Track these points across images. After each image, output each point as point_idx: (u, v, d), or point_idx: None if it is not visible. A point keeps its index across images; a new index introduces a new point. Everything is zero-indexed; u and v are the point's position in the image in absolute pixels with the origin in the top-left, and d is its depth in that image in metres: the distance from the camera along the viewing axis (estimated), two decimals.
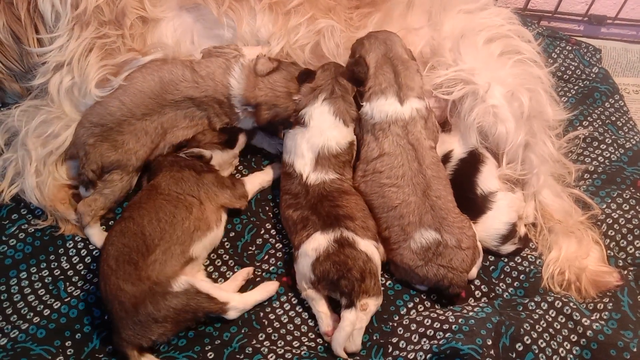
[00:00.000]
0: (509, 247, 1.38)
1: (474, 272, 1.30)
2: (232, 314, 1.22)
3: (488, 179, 1.39)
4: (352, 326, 1.19)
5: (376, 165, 1.34)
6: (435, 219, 1.29)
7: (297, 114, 1.38)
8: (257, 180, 1.44)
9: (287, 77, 1.41)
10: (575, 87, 1.79)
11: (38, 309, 1.26)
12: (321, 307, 1.24)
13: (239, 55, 1.41)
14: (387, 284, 1.34)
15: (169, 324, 1.17)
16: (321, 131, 1.35)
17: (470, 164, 1.41)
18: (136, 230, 1.22)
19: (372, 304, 1.22)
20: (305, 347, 1.23)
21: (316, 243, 1.23)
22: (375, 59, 1.40)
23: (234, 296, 1.24)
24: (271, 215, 1.43)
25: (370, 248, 1.25)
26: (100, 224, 1.36)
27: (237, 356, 1.19)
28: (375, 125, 1.36)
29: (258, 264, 1.35)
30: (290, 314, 1.28)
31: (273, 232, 1.41)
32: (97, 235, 1.34)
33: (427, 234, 1.27)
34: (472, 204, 1.37)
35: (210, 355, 1.19)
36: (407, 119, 1.35)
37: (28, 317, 1.25)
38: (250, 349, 1.20)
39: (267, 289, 1.28)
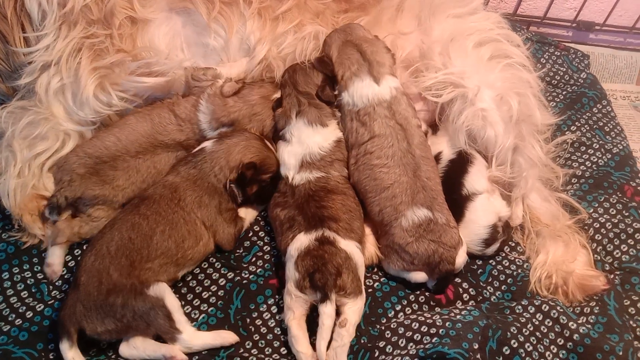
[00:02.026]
0: (493, 247, 1.38)
1: (460, 262, 1.30)
2: (175, 348, 1.17)
3: (475, 179, 1.39)
4: (330, 319, 1.17)
5: (367, 147, 1.36)
6: (427, 198, 1.31)
7: (279, 133, 1.40)
8: (251, 218, 1.42)
9: (256, 87, 1.45)
10: (564, 92, 1.81)
11: (20, 310, 1.24)
12: (301, 347, 1.18)
13: (212, 85, 1.43)
14: (375, 285, 1.33)
15: (120, 325, 1.15)
16: (301, 141, 1.37)
17: (459, 165, 1.41)
18: (147, 232, 1.23)
19: (350, 312, 1.19)
20: (292, 355, 1.21)
21: (299, 243, 1.24)
22: (336, 47, 1.42)
23: (190, 329, 1.19)
24: (259, 219, 1.42)
25: (350, 247, 1.24)
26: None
27: None
28: (360, 111, 1.38)
29: (245, 266, 1.34)
30: (277, 317, 1.27)
31: (261, 234, 1.40)
32: (60, 256, 1.30)
33: (420, 211, 1.29)
34: (455, 205, 1.37)
35: None
36: (390, 100, 1.37)
37: (10, 318, 1.23)
38: (239, 358, 1.19)
39: (221, 336, 1.22)
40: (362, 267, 1.27)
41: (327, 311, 1.17)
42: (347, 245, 1.24)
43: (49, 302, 1.25)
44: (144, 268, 1.20)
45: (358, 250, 1.26)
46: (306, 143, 1.37)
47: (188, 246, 1.26)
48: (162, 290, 1.20)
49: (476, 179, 1.39)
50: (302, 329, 1.20)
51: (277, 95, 1.45)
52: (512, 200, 1.42)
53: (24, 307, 1.25)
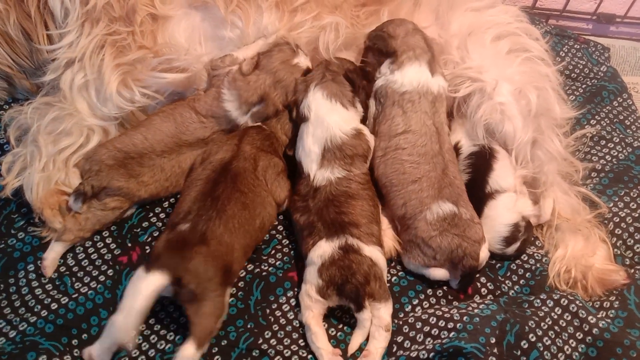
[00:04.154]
0: (514, 247, 1.36)
1: (482, 257, 1.29)
2: None
3: (501, 176, 1.38)
4: (370, 322, 1.20)
5: (399, 142, 1.35)
6: (453, 194, 1.31)
7: (298, 111, 1.39)
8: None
9: (274, 52, 1.43)
10: (583, 86, 1.79)
11: (45, 302, 1.26)
12: (321, 343, 1.20)
13: (228, 72, 1.43)
14: (393, 280, 1.34)
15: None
16: (321, 119, 1.34)
17: (484, 160, 1.41)
18: (252, 215, 1.28)
19: (387, 315, 1.21)
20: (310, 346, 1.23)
21: (321, 250, 1.23)
22: (404, 30, 1.43)
23: None
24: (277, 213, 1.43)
25: (374, 253, 1.25)
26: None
27: (244, 359, 1.20)
28: (405, 94, 1.37)
29: (265, 258, 1.35)
30: (296, 310, 1.28)
31: (280, 228, 1.42)
32: (58, 253, 1.32)
33: (445, 205, 1.29)
34: (478, 200, 1.36)
35: (217, 358, 1.20)
36: (436, 94, 1.37)
37: (36, 309, 1.25)
38: (257, 351, 1.20)
39: None
40: (385, 270, 1.27)
41: (366, 317, 1.20)
42: (371, 251, 1.24)
43: (74, 296, 1.27)
44: (246, 257, 1.29)
45: (381, 255, 1.27)
46: (325, 122, 1.33)
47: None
48: (228, 302, 1.24)
49: (502, 175, 1.38)
50: (321, 326, 1.22)
51: (298, 59, 1.43)
52: (540, 196, 1.41)
53: (49, 299, 1.27)
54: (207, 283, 1.15)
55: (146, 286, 1.10)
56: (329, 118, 1.34)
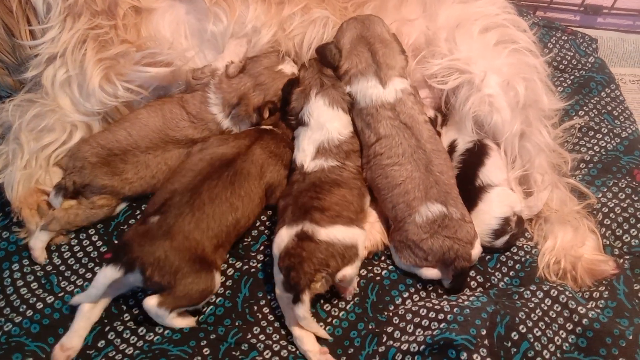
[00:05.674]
0: (502, 240, 1.35)
1: (475, 254, 1.29)
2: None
3: (491, 172, 1.38)
4: (307, 320, 1.16)
5: (376, 149, 1.34)
6: (440, 193, 1.29)
7: (297, 117, 1.39)
8: None
9: (261, 58, 1.44)
10: (571, 77, 1.79)
11: (31, 301, 1.25)
12: (307, 346, 1.18)
13: (211, 77, 1.43)
14: (383, 273, 1.33)
15: (170, 284, 1.19)
16: (322, 125, 1.35)
17: (476, 156, 1.40)
18: (240, 217, 1.27)
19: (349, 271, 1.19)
20: None
21: (279, 239, 1.21)
22: (349, 39, 1.40)
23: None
24: (266, 209, 1.42)
25: (332, 232, 1.18)
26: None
27: (233, 353, 1.19)
28: (362, 110, 1.37)
29: (253, 255, 1.35)
30: None
31: (268, 223, 1.40)
32: (43, 242, 1.30)
33: (434, 207, 1.27)
34: (469, 194, 1.36)
35: (206, 351, 1.19)
36: (394, 102, 1.35)
37: (21, 309, 1.24)
38: (246, 345, 1.20)
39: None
40: (356, 242, 1.21)
41: (300, 314, 1.15)
42: (329, 232, 1.19)
43: (60, 295, 1.26)
44: (225, 249, 1.27)
45: (346, 229, 1.21)
46: (325, 127, 1.34)
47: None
48: (219, 281, 1.25)
49: (492, 170, 1.37)
50: (303, 329, 1.19)
51: (282, 66, 1.44)
52: (535, 188, 1.40)
53: (34, 299, 1.26)
54: (175, 274, 1.17)
55: (102, 277, 1.17)
56: (330, 125, 1.35)
